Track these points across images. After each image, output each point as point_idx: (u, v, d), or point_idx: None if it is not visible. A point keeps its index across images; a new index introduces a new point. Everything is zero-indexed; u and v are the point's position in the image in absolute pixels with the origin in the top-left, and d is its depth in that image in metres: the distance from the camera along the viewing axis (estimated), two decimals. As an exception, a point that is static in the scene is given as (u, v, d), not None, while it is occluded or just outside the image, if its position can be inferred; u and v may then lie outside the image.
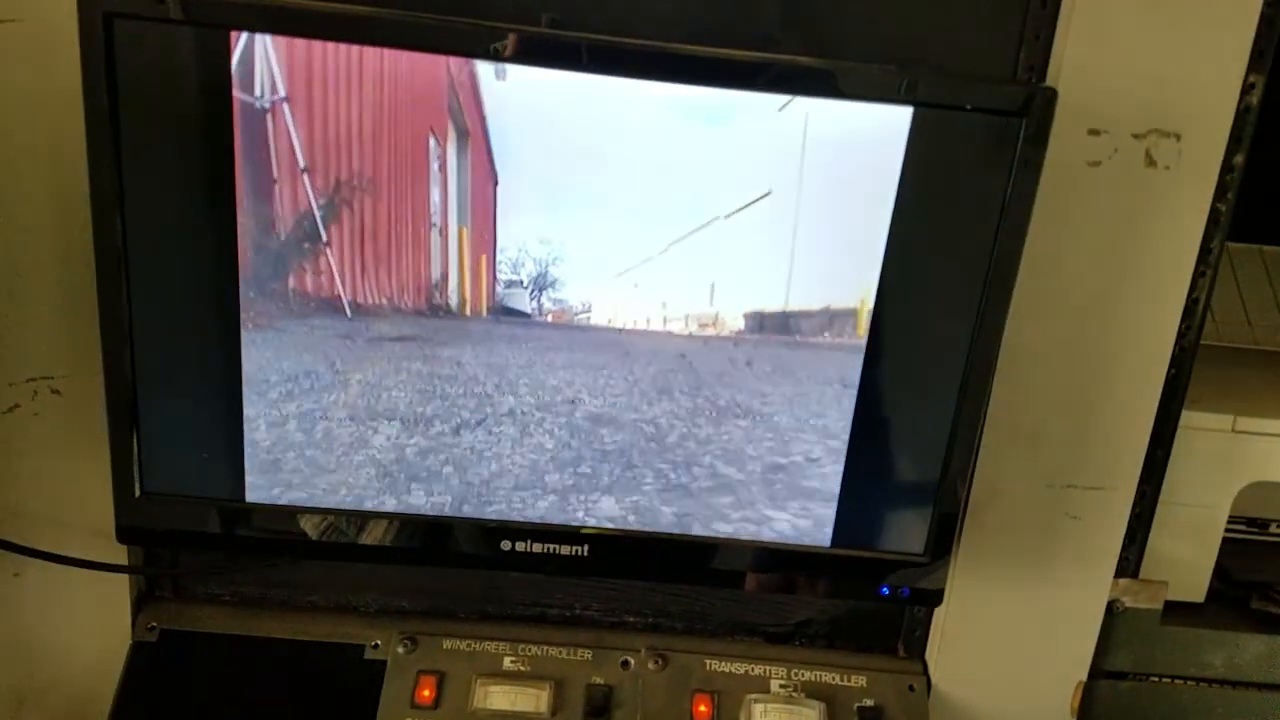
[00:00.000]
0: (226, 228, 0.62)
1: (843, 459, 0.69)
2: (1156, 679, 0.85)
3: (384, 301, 0.65)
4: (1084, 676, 0.83)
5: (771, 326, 0.67)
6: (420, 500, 0.69)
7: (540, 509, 0.70)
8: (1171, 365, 0.76)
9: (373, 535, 0.69)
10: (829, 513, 0.71)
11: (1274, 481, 0.87)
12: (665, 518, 0.71)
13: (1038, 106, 0.62)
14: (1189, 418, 0.82)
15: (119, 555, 0.74)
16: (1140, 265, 0.73)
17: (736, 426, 0.70)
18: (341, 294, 0.65)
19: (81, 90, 0.58)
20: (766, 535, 0.71)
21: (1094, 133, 0.71)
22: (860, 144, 0.64)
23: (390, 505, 0.69)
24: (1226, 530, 0.88)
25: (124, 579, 0.76)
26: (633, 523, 0.71)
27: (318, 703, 0.78)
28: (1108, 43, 0.68)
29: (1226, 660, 0.85)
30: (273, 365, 0.65)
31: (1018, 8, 0.69)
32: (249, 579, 0.81)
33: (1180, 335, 0.76)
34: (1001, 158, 0.64)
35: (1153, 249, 0.73)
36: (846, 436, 0.69)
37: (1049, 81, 0.70)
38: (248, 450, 0.66)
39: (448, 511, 0.69)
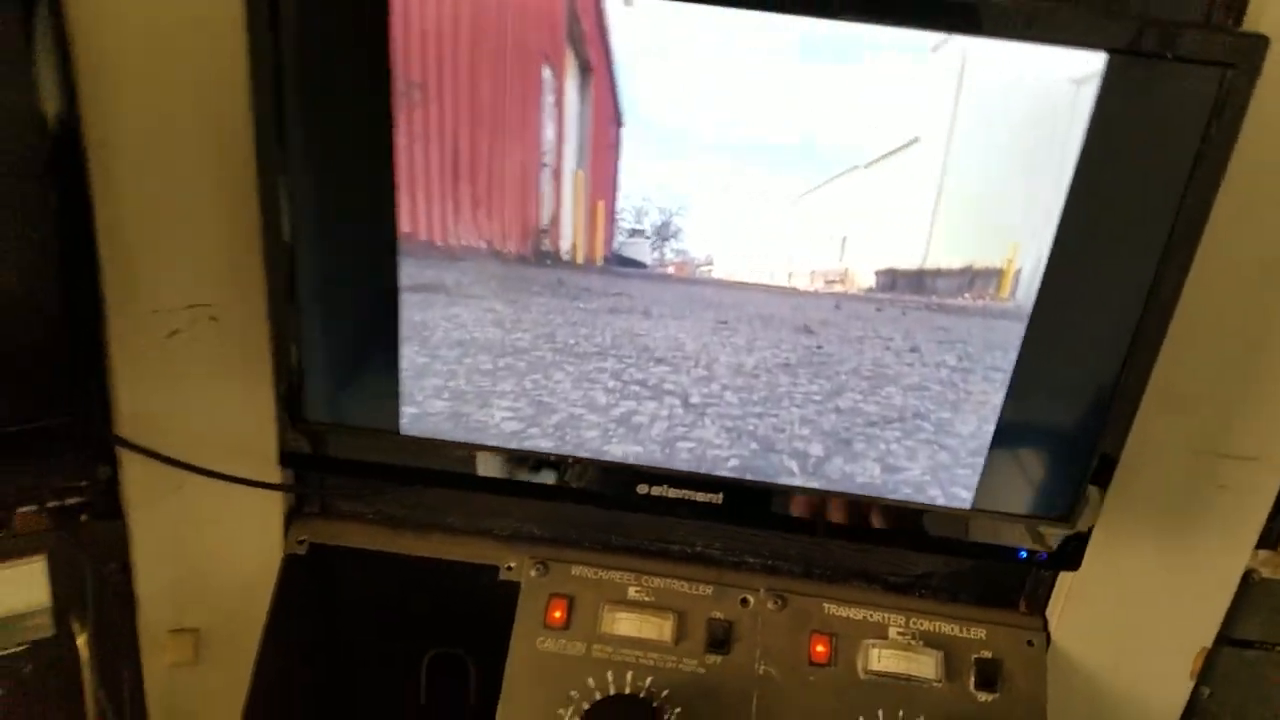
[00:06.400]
0: (383, 152, 0.62)
1: (994, 421, 0.68)
2: (1278, 648, 0.84)
3: (482, 245, 0.64)
4: (1209, 643, 0.82)
5: (905, 285, 0.65)
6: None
7: (680, 454, 0.71)
8: (1349, 332, 0.72)
9: (519, 471, 0.71)
10: (967, 470, 0.70)
11: None
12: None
13: (1247, 57, 0.57)
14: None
15: (272, 474, 0.78)
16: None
17: (877, 388, 0.69)
18: (432, 237, 0.63)
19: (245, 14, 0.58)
20: (905, 493, 0.71)
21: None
22: (1032, 91, 0.60)
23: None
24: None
25: (277, 496, 0.80)
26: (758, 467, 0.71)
27: (457, 616, 0.82)
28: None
29: (1360, 634, 0.83)
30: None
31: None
32: (392, 499, 0.84)
33: (1364, 300, 0.71)
34: (1199, 110, 0.59)
35: (1346, 210, 0.68)
36: (1001, 398, 0.68)
37: (1248, 23, 0.65)
38: (404, 383, 0.68)
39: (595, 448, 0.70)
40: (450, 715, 0.89)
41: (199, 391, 0.76)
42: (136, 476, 0.77)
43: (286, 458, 0.69)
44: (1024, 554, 0.71)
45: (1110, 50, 0.58)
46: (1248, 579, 0.81)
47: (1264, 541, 0.79)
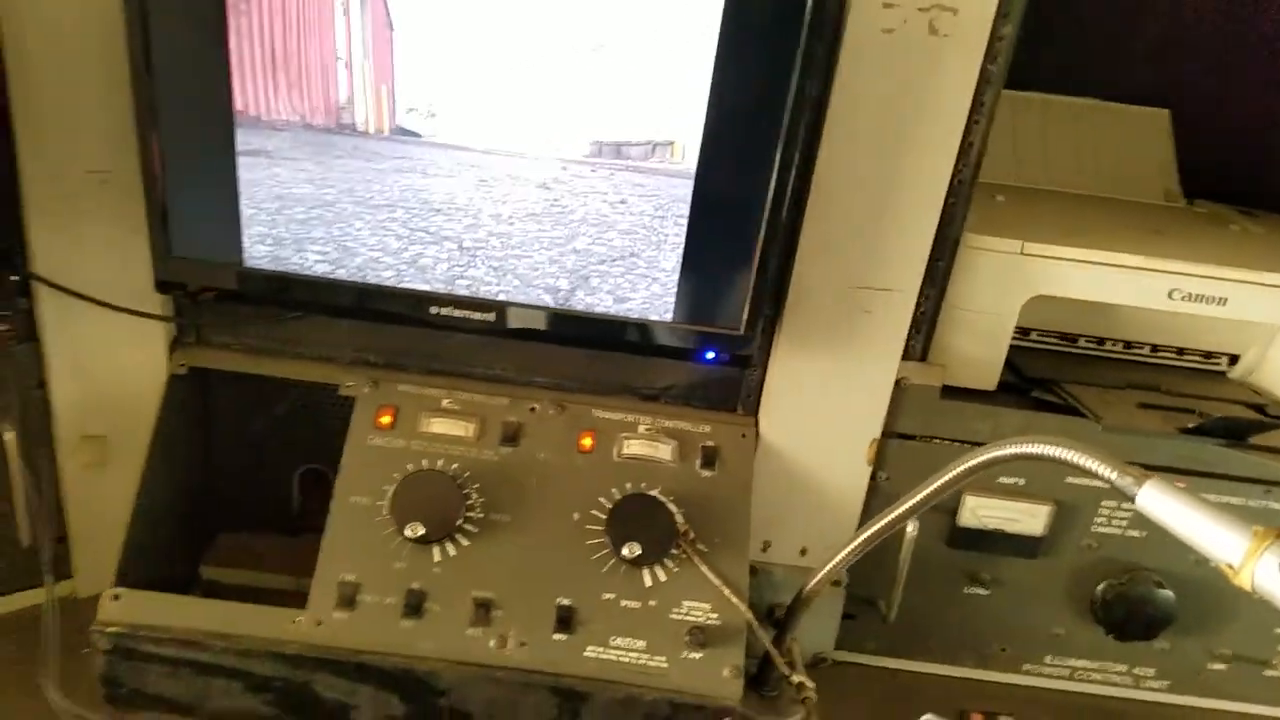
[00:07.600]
0: (221, 48, 0.85)
1: (681, 256, 0.94)
2: (936, 440, 1.12)
3: (297, 119, 0.88)
4: (878, 435, 1.10)
5: (609, 153, 0.90)
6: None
7: (462, 280, 0.96)
8: (949, 195, 0.99)
9: (335, 296, 0.96)
10: (670, 296, 0.97)
11: (1054, 296, 1.11)
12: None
13: (830, -14, 0.83)
14: (979, 240, 1.06)
15: (156, 308, 1.02)
16: (924, 114, 0.95)
17: (602, 233, 0.94)
18: (259, 113, 0.87)
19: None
20: (627, 312, 0.97)
21: (888, 5, 0.91)
22: (680, 10, 0.84)
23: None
24: (1036, 340, 1.18)
25: (160, 326, 1.04)
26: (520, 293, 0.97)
27: (307, 424, 1.07)
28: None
29: (992, 428, 1.11)
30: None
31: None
32: (252, 332, 1.08)
33: (957, 171, 0.98)
34: (802, 26, 0.85)
35: (933, 101, 0.94)
36: (683, 239, 0.94)
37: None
38: (244, 226, 0.92)
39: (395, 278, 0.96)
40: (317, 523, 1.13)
41: (96, 238, 0.99)
42: (49, 307, 1.00)
43: (159, 285, 0.93)
44: (713, 356, 0.98)
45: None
46: (900, 385, 1.09)
47: (909, 355, 1.08)
